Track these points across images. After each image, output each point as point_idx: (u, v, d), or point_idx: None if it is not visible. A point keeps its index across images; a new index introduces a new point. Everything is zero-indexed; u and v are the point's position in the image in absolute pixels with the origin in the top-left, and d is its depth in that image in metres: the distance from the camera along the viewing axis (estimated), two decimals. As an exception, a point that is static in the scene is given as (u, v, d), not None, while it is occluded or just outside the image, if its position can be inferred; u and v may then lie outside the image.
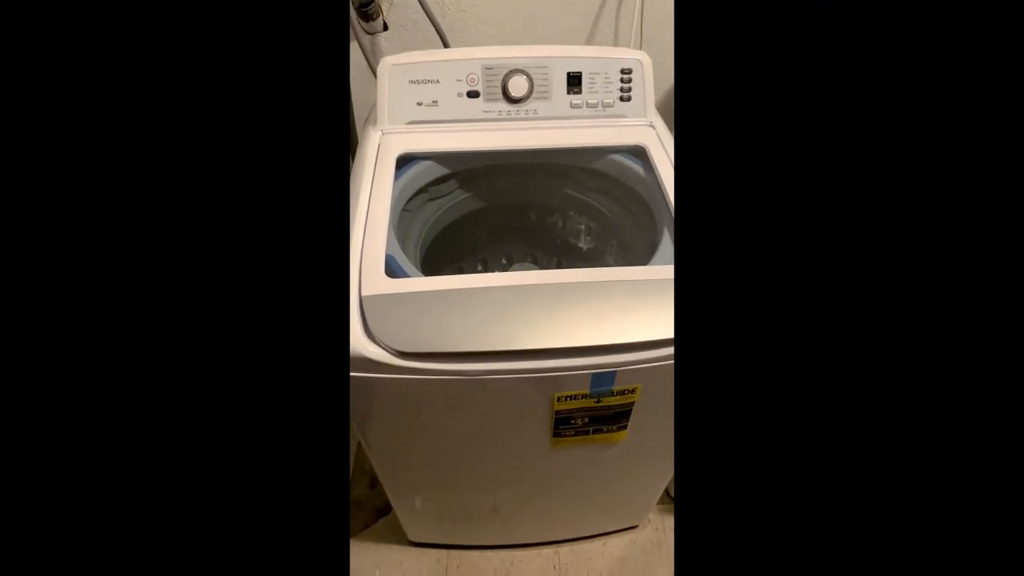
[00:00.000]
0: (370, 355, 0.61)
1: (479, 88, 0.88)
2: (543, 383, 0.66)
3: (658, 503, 1.13)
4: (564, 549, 1.16)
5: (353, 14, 1.04)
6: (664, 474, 0.99)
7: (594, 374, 0.65)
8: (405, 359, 0.62)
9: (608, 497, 1.03)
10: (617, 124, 0.91)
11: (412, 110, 0.88)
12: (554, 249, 1.11)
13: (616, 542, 1.17)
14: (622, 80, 0.90)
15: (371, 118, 0.91)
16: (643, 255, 0.81)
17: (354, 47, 1.12)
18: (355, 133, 1.17)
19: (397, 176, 0.82)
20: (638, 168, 0.88)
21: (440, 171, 0.90)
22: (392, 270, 0.68)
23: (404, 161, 0.85)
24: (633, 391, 0.69)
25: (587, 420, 0.73)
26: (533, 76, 0.88)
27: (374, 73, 0.94)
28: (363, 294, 0.64)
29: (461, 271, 1.12)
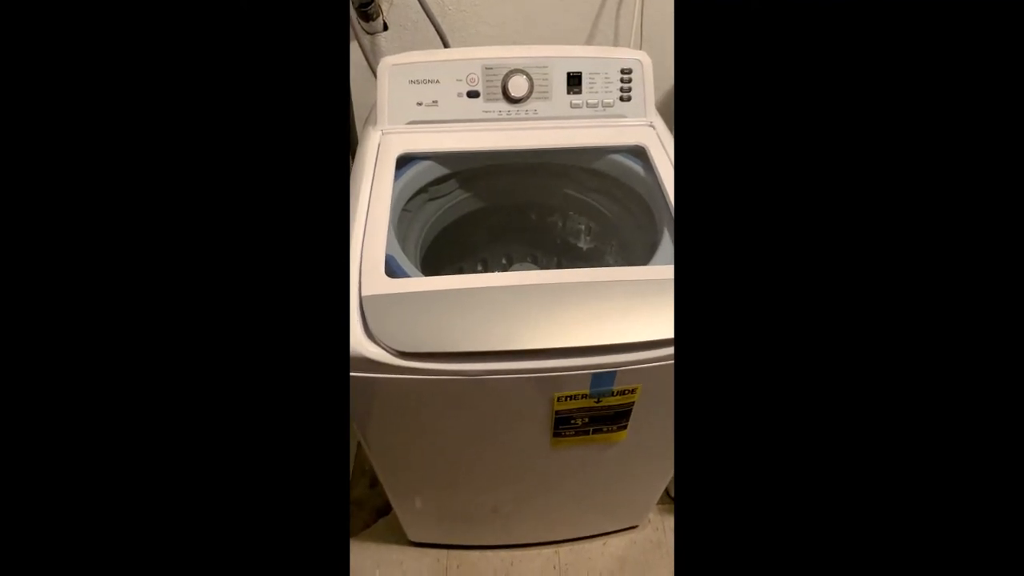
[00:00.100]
0: (370, 355, 0.61)
1: (479, 88, 0.88)
2: (543, 383, 0.66)
3: (658, 503, 1.13)
4: (564, 549, 1.16)
5: (353, 14, 1.04)
6: (664, 474, 0.99)
7: (594, 374, 0.65)
8: (405, 359, 0.62)
9: (608, 497, 1.03)
10: (617, 124, 0.91)
11: (412, 110, 0.88)
12: (554, 249, 1.11)
13: (616, 542, 1.17)
14: (622, 80, 0.90)
15: (371, 118, 0.91)
16: (643, 255, 0.81)
17: (354, 47, 1.12)
18: (355, 133, 1.17)
19: (397, 176, 0.82)
20: (638, 168, 0.88)
21: (440, 171, 0.90)
22: (392, 270, 0.68)
23: (404, 161, 0.85)
24: (633, 391, 0.69)
25: (587, 420, 0.73)
26: (533, 76, 0.88)
27: (374, 73, 0.94)
28: (363, 294, 0.64)
29: (461, 271, 1.12)
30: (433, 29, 1.07)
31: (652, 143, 0.88)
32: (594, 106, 0.90)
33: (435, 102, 0.88)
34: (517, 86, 0.88)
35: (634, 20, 1.13)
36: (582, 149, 0.90)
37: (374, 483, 1.20)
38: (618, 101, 0.91)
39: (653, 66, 0.91)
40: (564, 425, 0.74)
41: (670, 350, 0.64)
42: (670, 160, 0.85)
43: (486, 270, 1.14)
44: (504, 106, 0.89)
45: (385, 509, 1.18)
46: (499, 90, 0.88)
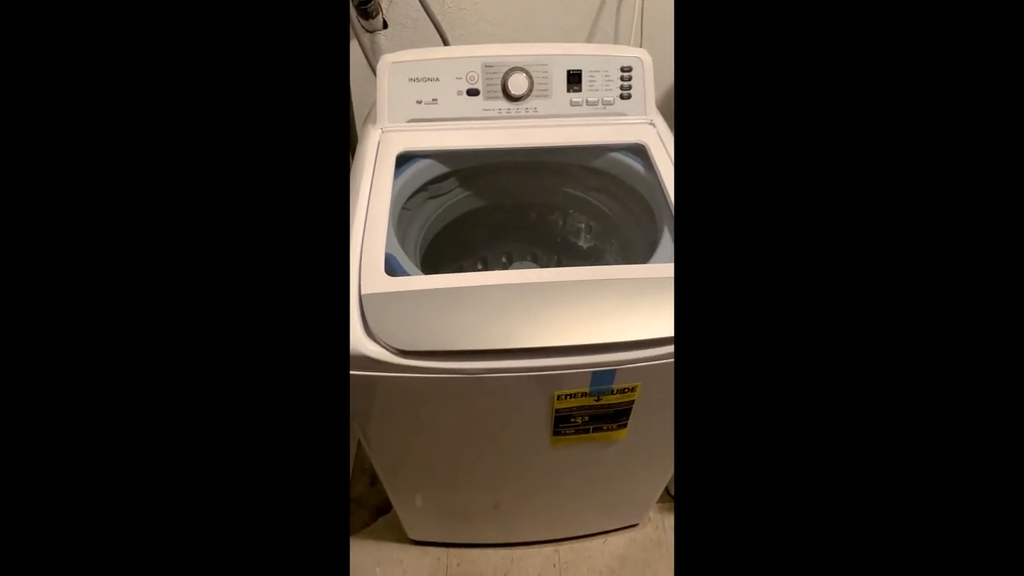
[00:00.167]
0: (370, 353, 0.61)
1: (479, 86, 0.88)
2: (543, 381, 0.66)
3: (658, 501, 1.13)
4: (564, 547, 1.16)
5: (353, 12, 1.04)
6: (664, 472, 0.99)
7: (594, 372, 0.65)
8: (405, 357, 0.62)
9: (608, 495, 1.03)
10: (617, 122, 0.91)
11: (412, 108, 0.87)
12: (554, 247, 1.11)
13: (616, 540, 1.17)
14: (622, 78, 0.90)
15: (371, 116, 0.91)
16: (643, 253, 0.81)
17: (354, 45, 1.12)
18: (355, 131, 1.17)
19: (397, 174, 0.82)
20: (638, 166, 0.88)
21: (440, 169, 0.89)
22: (392, 268, 0.68)
23: (404, 159, 0.85)
24: (633, 389, 0.69)
25: (587, 418, 0.73)
26: (533, 74, 0.88)
27: (374, 71, 0.94)
28: (363, 292, 0.64)
29: (461, 269, 1.11)
30: (433, 27, 1.07)
31: (652, 141, 0.88)
32: (594, 104, 0.90)
33: (435, 100, 0.87)
34: (517, 84, 0.87)
35: (634, 18, 1.13)
36: (582, 147, 0.90)
37: (374, 481, 1.20)
38: (618, 99, 0.90)
39: (653, 64, 0.91)
40: (564, 423, 0.74)
41: (670, 348, 0.64)
42: (670, 158, 0.85)
43: (486, 268, 1.14)
44: (504, 104, 0.88)
45: (385, 507, 1.18)
46: (499, 88, 0.88)
